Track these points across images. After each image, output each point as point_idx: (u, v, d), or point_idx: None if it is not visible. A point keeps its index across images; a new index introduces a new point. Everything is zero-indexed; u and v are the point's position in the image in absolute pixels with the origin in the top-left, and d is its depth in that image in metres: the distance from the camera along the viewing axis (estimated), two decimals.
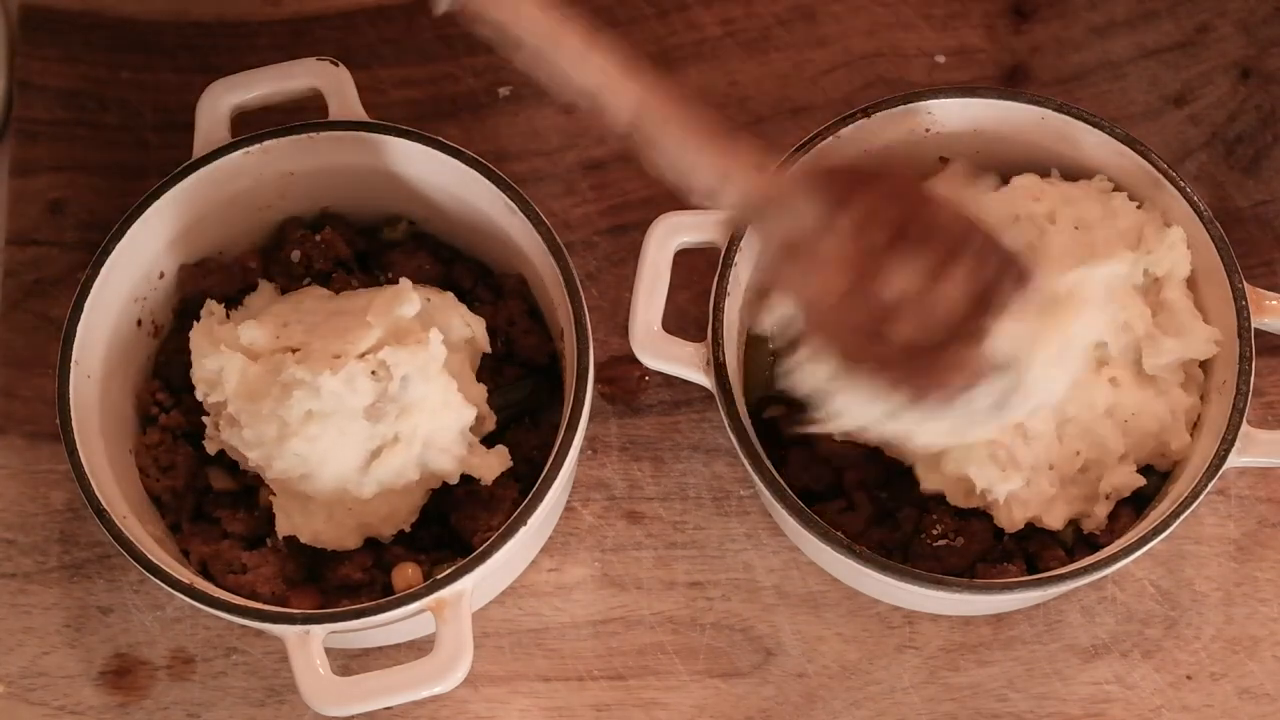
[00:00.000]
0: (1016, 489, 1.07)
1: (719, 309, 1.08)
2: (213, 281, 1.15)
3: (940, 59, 1.26)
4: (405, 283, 1.09)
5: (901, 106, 1.12)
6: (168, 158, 1.17)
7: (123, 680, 1.14)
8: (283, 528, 1.09)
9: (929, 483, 1.09)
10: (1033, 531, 1.09)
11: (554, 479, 1.05)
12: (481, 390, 1.11)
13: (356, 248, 1.17)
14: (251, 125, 1.13)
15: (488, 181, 1.11)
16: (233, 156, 1.12)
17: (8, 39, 1.27)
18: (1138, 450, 1.09)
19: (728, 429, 1.07)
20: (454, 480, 1.09)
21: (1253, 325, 1.07)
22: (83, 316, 1.08)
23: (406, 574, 1.09)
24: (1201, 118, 1.24)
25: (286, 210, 1.16)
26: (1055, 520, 1.08)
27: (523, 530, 1.04)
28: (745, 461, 1.07)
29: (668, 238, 1.09)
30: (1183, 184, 1.10)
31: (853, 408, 1.00)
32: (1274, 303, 1.09)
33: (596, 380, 1.12)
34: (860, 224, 0.96)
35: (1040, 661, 1.14)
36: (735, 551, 1.16)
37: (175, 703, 1.13)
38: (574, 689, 1.13)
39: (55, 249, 1.22)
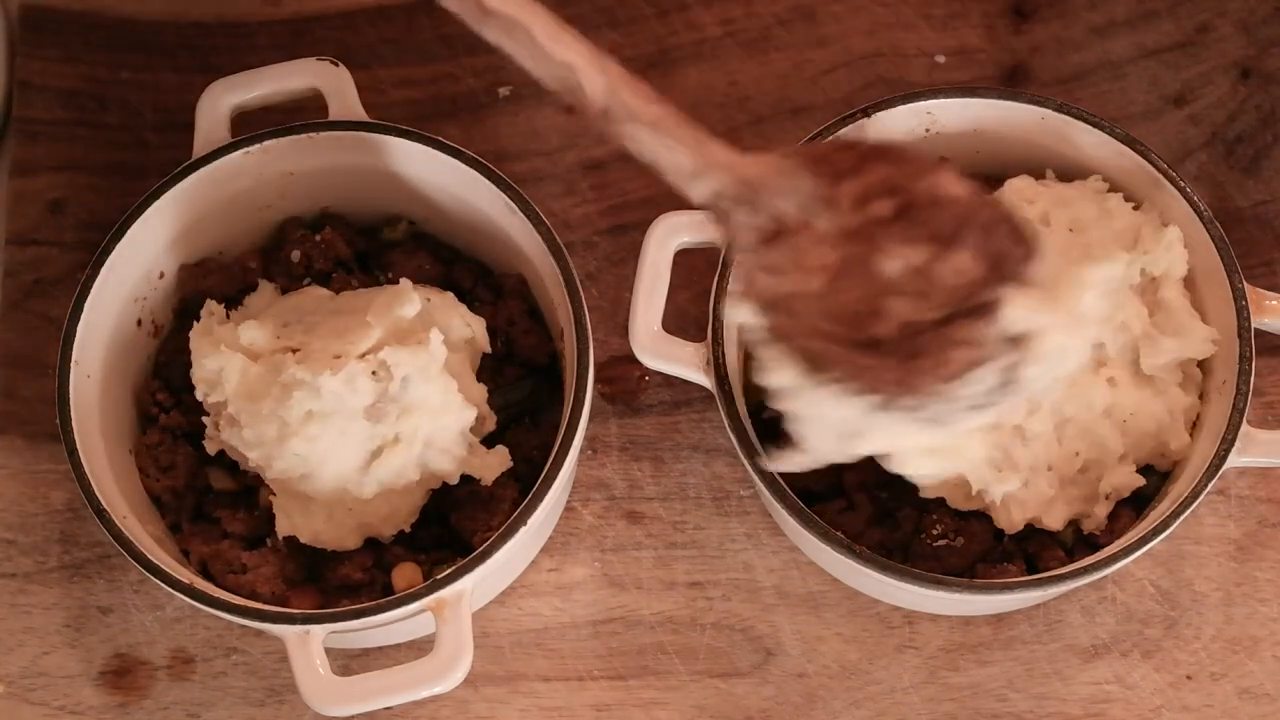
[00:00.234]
0: (1014, 490, 1.07)
1: (719, 309, 1.08)
2: (213, 281, 1.15)
3: (940, 59, 1.26)
4: (406, 283, 1.09)
5: (901, 106, 1.12)
6: (168, 158, 1.17)
7: (123, 680, 1.14)
8: (283, 528, 1.09)
9: (927, 489, 1.09)
10: (1032, 532, 1.09)
11: (554, 479, 1.05)
12: (482, 390, 1.11)
13: (356, 248, 1.17)
14: (251, 125, 1.13)
15: (488, 181, 1.11)
16: (233, 156, 1.12)
17: (8, 39, 1.27)
18: (1137, 450, 1.09)
19: (728, 429, 1.07)
20: (454, 480, 1.09)
21: (1253, 325, 1.07)
22: (83, 316, 1.08)
23: (406, 574, 1.09)
24: (1201, 118, 1.24)
25: (286, 210, 1.16)
26: (1055, 521, 1.08)
27: (523, 530, 1.04)
28: (745, 461, 1.07)
29: (668, 238, 1.09)
30: (1183, 184, 1.10)
31: (820, 416, 0.99)
32: (1274, 303, 1.09)
33: (596, 380, 1.12)
34: (864, 196, 0.94)
35: (1040, 661, 1.14)
36: (735, 551, 1.16)
37: (175, 703, 1.13)
38: (574, 689, 1.13)
39: (55, 249, 1.22)
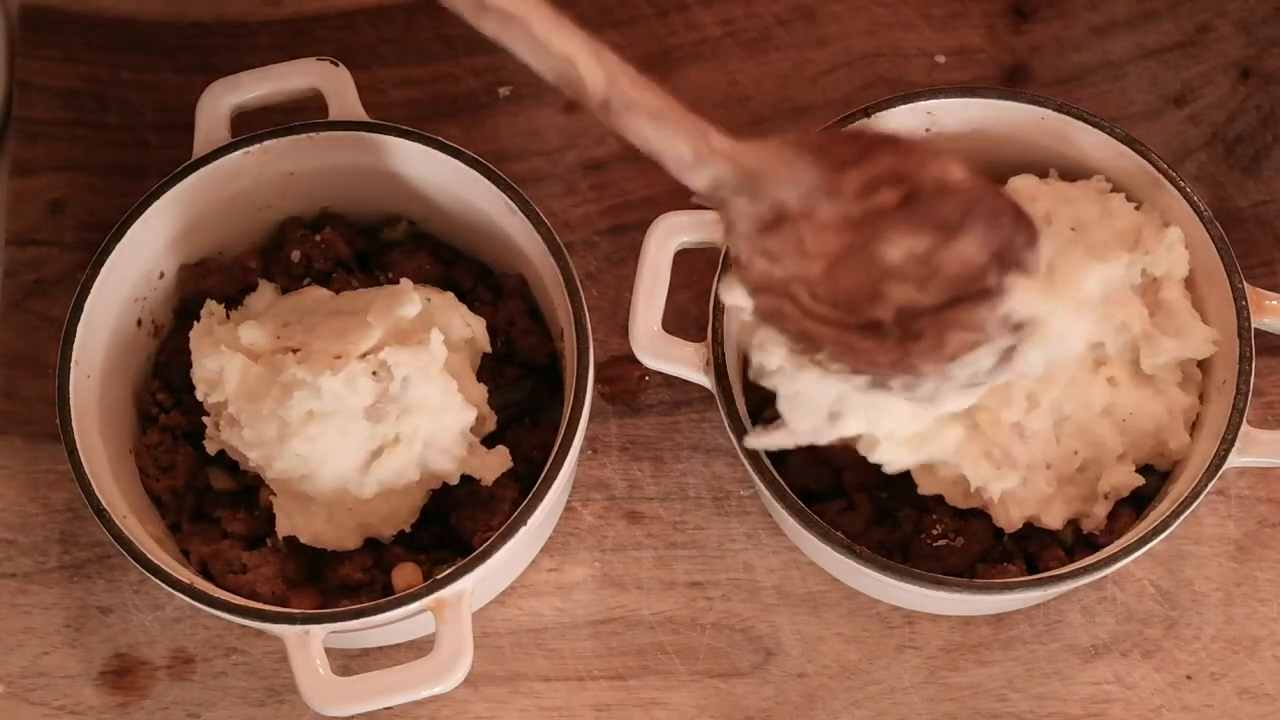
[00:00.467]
0: (1013, 487, 1.07)
1: (719, 309, 1.08)
2: (213, 281, 1.15)
3: (940, 59, 1.26)
4: (406, 283, 1.09)
5: (901, 106, 1.12)
6: (168, 158, 1.17)
7: (123, 680, 1.14)
8: (283, 528, 1.09)
9: (925, 486, 1.09)
10: (1032, 531, 1.09)
11: (554, 479, 1.05)
12: (482, 390, 1.11)
13: (356, 248, 1.17)
14: (251, 125, 1.13)
15: (488, 181, 1.11)
16: (233, 156, 1.12)
17: (8, 39, 1.27)
18: (1136, 450, 1.09)
19: (728, 429, 1.07)
20: (454, 481, 1.09)
21: (1253, 325, 1.07)
22: (83, 316, 1.08)
23: (406, 574, 1.09)
24: (1201, 118, 1.24)
25: (286, 210, 1.16)
26: (1054, 520, 1.08)
27: (523, 530, 1.04)
28: (745, 461, 1.07)
29: (668, 238, 1.09)
30: (1183, 184, 1.10)
31: (806, 395, 0.99)
32: (1274, 303, 1.09)
33: (596, 380, 1.12)
34: (868, 185, 0.94)
35: (1040, 661, 1.14)
36: (735, 551, 1.16)
37: (175, 703, 1.13)
38: (574, 689, 1.13)
39: (55, 249, 1.22)
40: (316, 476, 1.06)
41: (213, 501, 1.12)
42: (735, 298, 0.98)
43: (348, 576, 1.09)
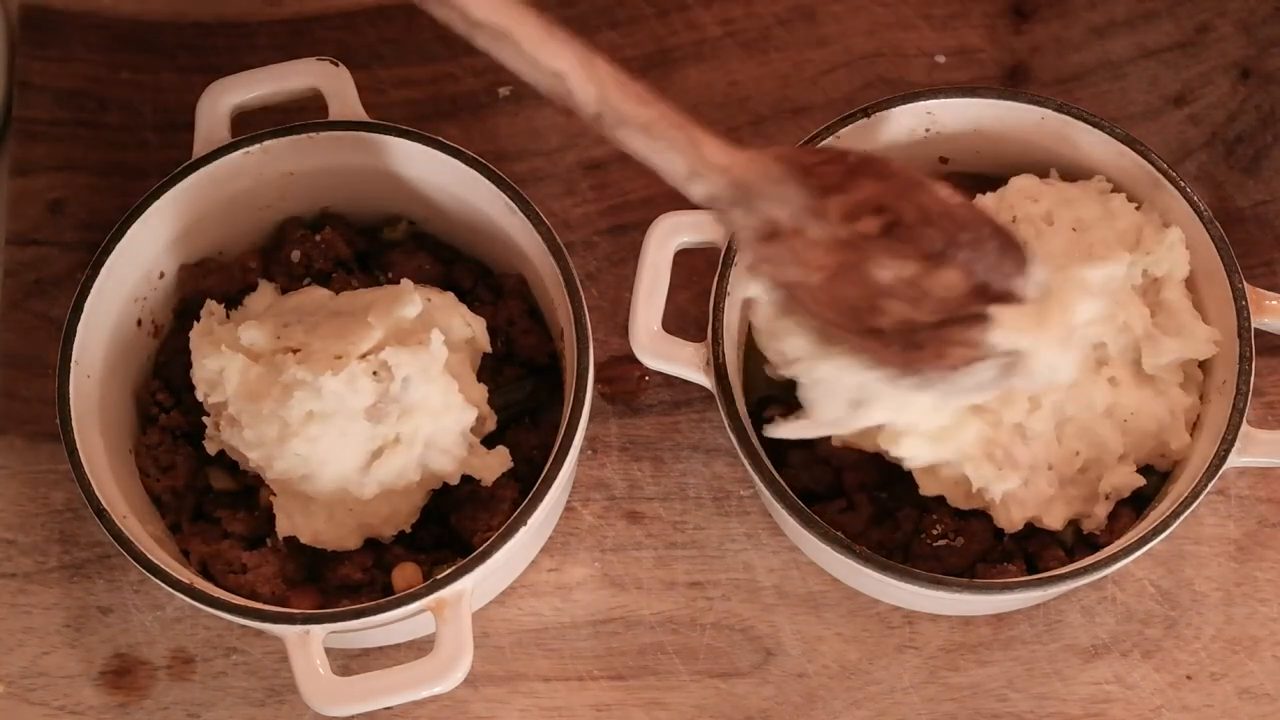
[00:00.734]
0: (1014, 488, 1.07)
1: (719, 309, 1.08)
2: (213, 281, 1.15)
3: (940, 59, 1.26)
4: (406, 283, 1.09)
5: (901, 106, 1.12)
6: (168, 158, 1.17)
7: (123, 680, 1.14)
8: (283, 528, 1.09)
9: (927, 486, 1.09)
10: (1032, 531, 1.09)
11: (554, 479, 1.05)
12: (482, 390, 1.11)
13: (356, 248, 1.17)
14: (251, 125, 1.13)
15: (488, 181, 1.11)
16: (233, 156, 1.12)
17: (8, 39, 1.27)
18: (1137, 450, 1.09)
19: (728, 429, 1.07)
20: (454, 481, 1.09)
21: (1253, 325, 1.07)
22: (83, 316, 1.08)
23: (406, 574, 1.09)
24: (1201, 118, 1.24)
25: (286, 210, 1.16)
26: (1055, 520, 1.08)
27: (523, 530, 1.04)
28: (745, 461, 1.07)
29: (668, 238, 1.09)
30: (1183, 184, 1.10)
31: (831, 382, 0.99)
32: (1274, 303, 1.09)
33: (596, 380, 1.12)
34: (852, 211, 0.95)
35: (1040, 661, 1.14)
36: (735, 551, 1.16)
37: (175, 703, 1.13)
38: (574, 689, 1.13)
39: (55, 249, 1.22)
40: (317, 477, 1.06)
41: (213, 501, 1.12)
42: (753, 290, 0.99)
43: (348, 576, 1.09)
